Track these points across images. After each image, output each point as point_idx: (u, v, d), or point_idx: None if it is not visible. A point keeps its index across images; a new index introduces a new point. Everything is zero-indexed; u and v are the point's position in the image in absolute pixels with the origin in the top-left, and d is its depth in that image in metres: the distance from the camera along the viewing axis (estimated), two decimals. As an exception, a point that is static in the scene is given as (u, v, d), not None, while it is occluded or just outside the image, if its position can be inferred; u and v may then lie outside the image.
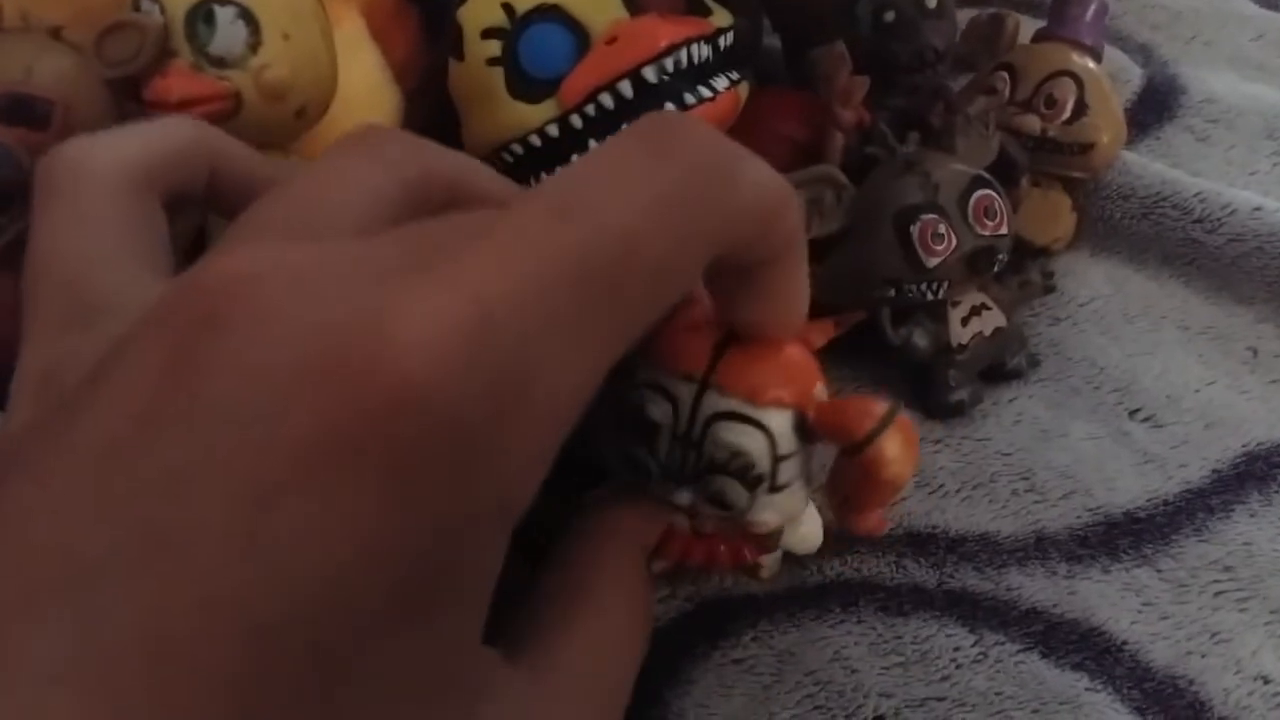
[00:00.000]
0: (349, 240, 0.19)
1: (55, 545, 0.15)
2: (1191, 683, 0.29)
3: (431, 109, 0.37)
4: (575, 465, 0.28)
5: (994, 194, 0.35)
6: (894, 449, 0.24)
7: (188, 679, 0.14)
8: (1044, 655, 0.29)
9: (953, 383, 0.36)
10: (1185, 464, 0.34)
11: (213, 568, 0.14)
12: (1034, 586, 0.31)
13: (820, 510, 0.31)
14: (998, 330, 0.37)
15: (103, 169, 0.22)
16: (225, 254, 0.17)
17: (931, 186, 0.34)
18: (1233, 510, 0.33)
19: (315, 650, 0.15)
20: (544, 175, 0.34)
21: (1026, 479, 0.34)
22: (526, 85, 0.34)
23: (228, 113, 0.32)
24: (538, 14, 0.33)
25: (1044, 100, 0.40)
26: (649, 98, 0.33)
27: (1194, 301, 0.40)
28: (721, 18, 0.36)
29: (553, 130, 0.34)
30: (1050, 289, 0.39)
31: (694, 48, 0.34)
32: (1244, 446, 0.35)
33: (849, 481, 0.26)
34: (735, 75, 0.36)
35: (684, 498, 0.26)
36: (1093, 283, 0.41)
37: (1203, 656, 0.29)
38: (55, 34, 0.32)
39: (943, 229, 0.34)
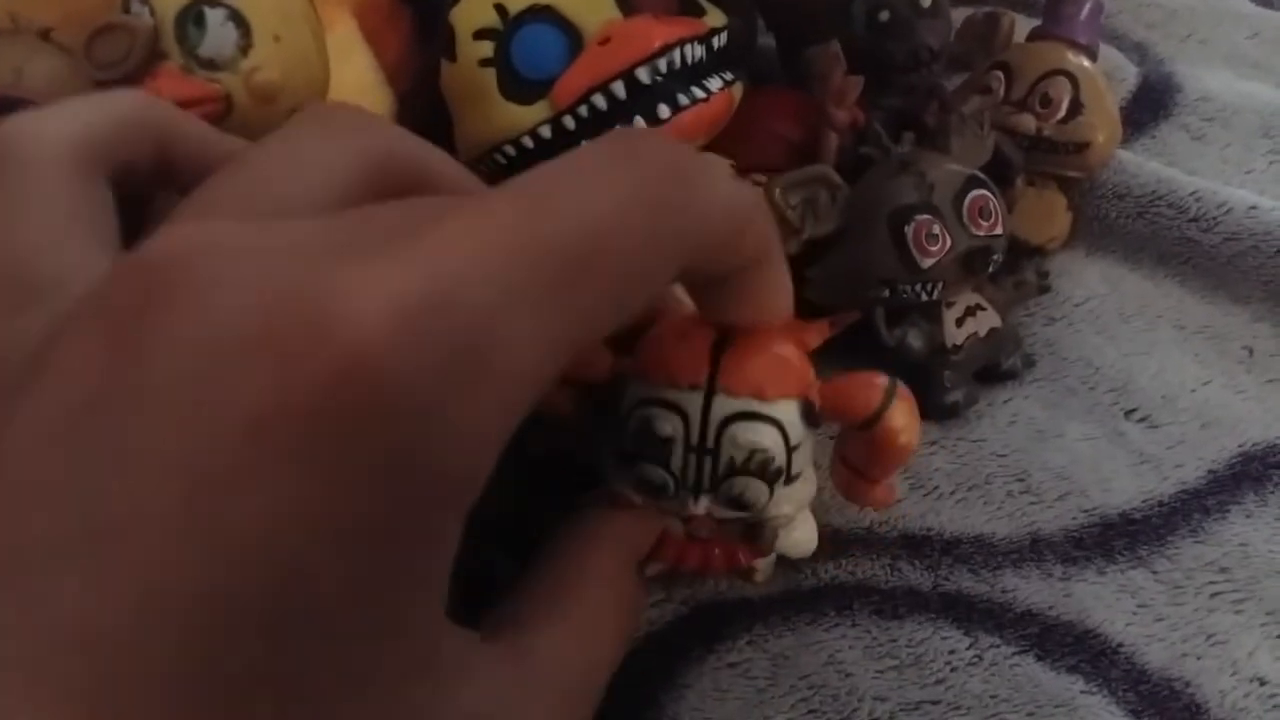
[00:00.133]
0: (301, 219, 0.18)
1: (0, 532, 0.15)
2: (1187, 685, 0.29)
3: (424, 110, 0.37)
4: (569, 470, 0.28)
5: (989, 194, 0.35)
6: (903, 417, 0.26)
7: (131, 666, 0.14)
8: (1039, 658, 0.29)
9: (947, 383, 0.36)
10: (1181, 464, 0.34)
11: (158, 553, 0.14)
12: (1029, 588, 0.31)
13: (814, 514, 0.31)
14: (993, 331, 0.37)
15: (45, 146, 0.21)
16: (170, 231, 0.17)
17: (926, 186, 0.34)
18: (1228, 511, 0.33)
19: (269, 636, 0.15)
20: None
21: (1022, 480, 0.34)
22: (519, 86, 0.33)
23: (218, 115, 0.32)
24: (530, 15, 0.33)
25: (1039, 99, 0.40)
26: (642, 98, 0.33)
27: (1190, 301, 0.40)
28: (715, 18, 0.36)
29: (545, 131, 0.33)
30: (1045, 289, 0.39)
31: (687, 48, 0.34)
32: (1240, 447, 0.35)
33: (861, 456, 0.27)
34: (729, 75, 0.36)
35: (702, 506, 0.26)
36: (1088, 282, 0.41)
37: (1198, 658, 0.29)
38: (45, 36, 0.32)
39: (937, 229, 0.34)
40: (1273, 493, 0.33)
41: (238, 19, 0.32)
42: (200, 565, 0.14)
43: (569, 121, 0.33)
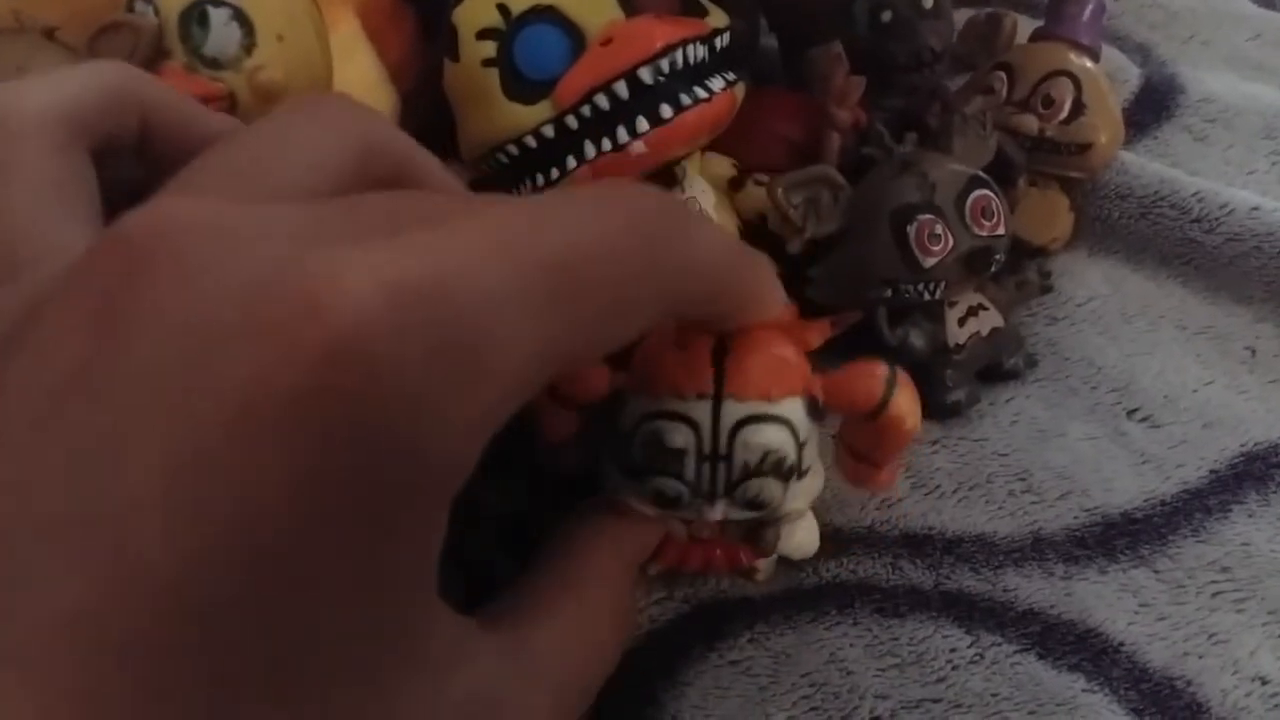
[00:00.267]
0: (289, 203, 0.18)
1: None
2: (1189, 683, 0.29)
3: (427, 110, 0.37)
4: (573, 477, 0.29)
5: (991, 194, 0.35)
6: (907, 403, 0.26)
7: (118, 650, 0.14)
8: (1041, 656, 0.29)
9: (950, 383, 0.36)
10: (1183, 464, 0.34)
11: (143, 534, 0.14)
12: (1031, 587, 0.31)
13: (815, 513, 0.31)
14: (995, 330, 0.37)
15: (26, 118, 0.21)
16: (153, 206, 0.17)
17: (928, 187, 0.34)
18: (1230, 511, 0.33)
19: (256, 619, 0.15)
20: (539, 177, 0.34)
21: (1023, 479, 0.34)
22: (522, 86, 0.33)
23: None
24: (533, 15, 0.33)
25: (1041, 100, 0.40)
26: (645, 98, 0.33)
27: (1192, 301, 0.40)
28: (717, 18, 0.36)
29: (548, 131, 0.33)
30: (1048, 289, 0.39)
31: (690, 48, 0.34)
32: (1242, 447, 0.35)
33: (868, 444, 0.27)
34: (731, 76, 0.36)
35: (718, 512, 0.26)
36: (1090, 283, 0.41)
37: (1200, 657, 0.29)
38: (49, 34, 0.32)
39: (940, 229, 0.34)
40: (1275, 492, 0.33)
41: (241, 18, 0.32)
42: (186, 546, 0.14)
43: (571, 121, 0.33)
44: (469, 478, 0.17)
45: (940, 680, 0.29)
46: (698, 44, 0.34)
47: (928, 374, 0.36)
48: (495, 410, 0.17)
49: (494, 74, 0.34)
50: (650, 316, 0.19)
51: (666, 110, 0.33)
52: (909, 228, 0.34)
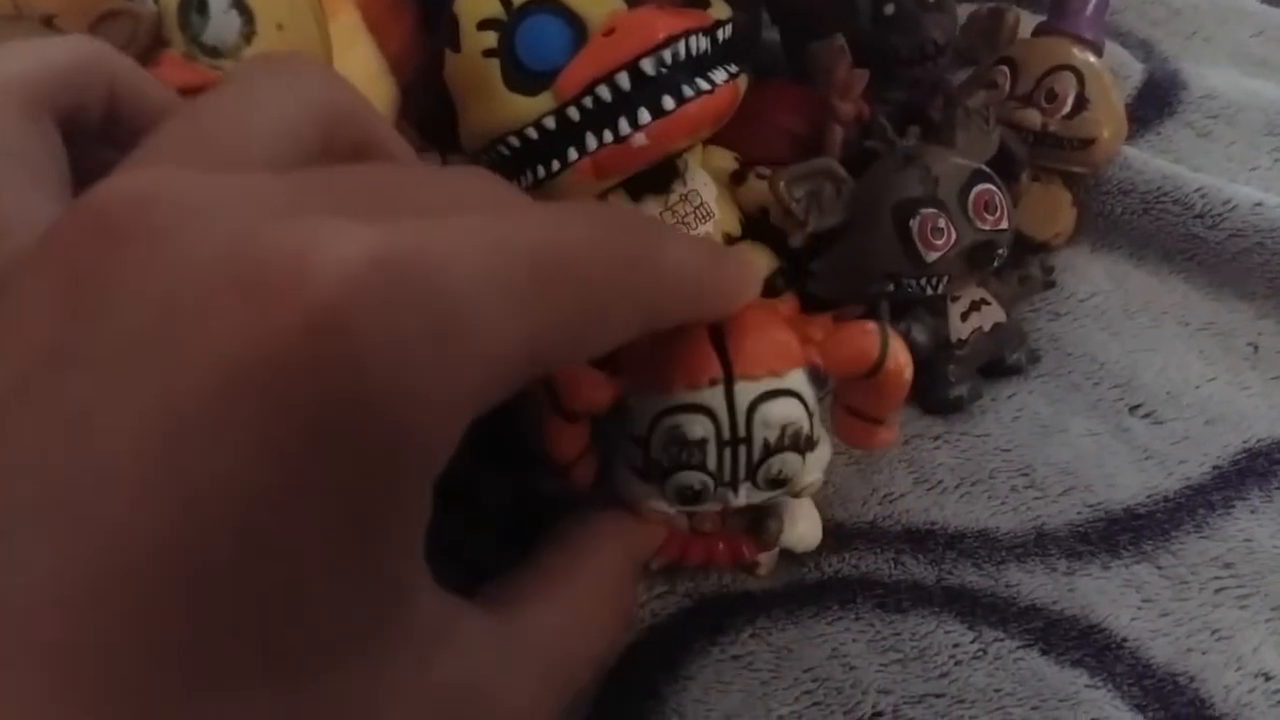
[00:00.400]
0: (254, 171, 0.18)
1: None
2: (1192, 679, 0.29)
3: (428, 101, 0.37)
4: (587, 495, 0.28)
5: (994, 188, 0.35)
6: (902, 354, 0.26)
7: (104, 625, 0.14)
8: (1043, 652, 0.29)
9: (952, 378, 0.36)
10: (1185, 460, 0.34)
11: (126, 512, 0.14)
12: (1033, 583, 0.31)
13: (818, 508, 0.31)
14: (997, 325, 0.37)
15: None
16: (119, 177, 0.16)
17: (931, 180, 0.34)
18: (1233, 507, 0.33)
19: (241, 591, 0.14)
20: (540, 169, 0.34)
21: (1026, 475, 0.34)
22: (523, 77, 0.33)
23: (221, 103, 0.31)
24: (534, 5, 0.33)
25: (1044, 95, 0.40)
26: (646, 90, 0.33)
27: (1195, 297, 0.40)
28: (720, 10, 0.36)
29: (550, 122, 0.33)
30: (1050, 284, 0.39)
31: (692, 40, 0.33)
32: (1244, 443, 0.35)
33: (869, 402, 0.27)
34: (734, 68, 0.35)
35: (743, 497, 0.26)
36: (1093, 278, 0.40)
37: (1203, 653, 0.29)
38: (48, 22, 0.32)
39: (942, 223, 0.34)
40: (1277, 488, 0.33)
41: (241, 6, 0.31)
42: (169, 518, 0.14)
43: (573, 113, 0.33)
44: (469, 476, 0.17)
45: (943, 675, 0.28)
46: (700, 35, 0.34)
47: (930, 369, 0.36)
48: (477, 394, 0.16)
49: (495, 65, 0.33)
50: (631, 325, 0.20)
51: (668, 102, 0.33)
52: (911, 222, 0.34)
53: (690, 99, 0.33)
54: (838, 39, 0.37)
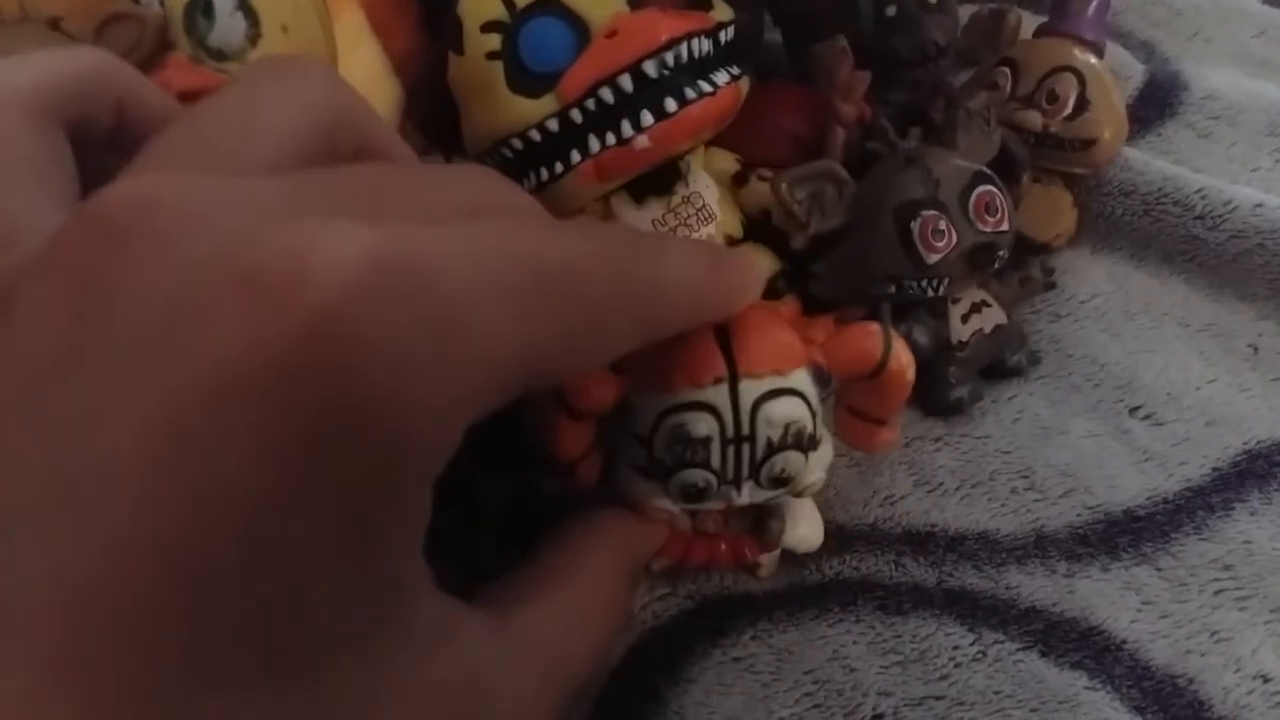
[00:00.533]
0: (257, 175, 0.18)
1: None
2: (1191, 681, 0.29)
3: (431, 103, 0.37)
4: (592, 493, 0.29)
5: (995, 190, 0.35)
6: (906, 354, 0.26)
7: (106, 623, 0.14)
8: (1043, 654, 0.29)
9: (953, 380, 0.36)
10: (1185, 462, 0.34)
11: (127, 512, 0.14)
12: (1033, 585, 0.31)
13: (819, 510, 0.31)
14: (998, 327, 0.37)
15: (1, 97, 0.21)
16: (124, 182, 0.17)
17: (933, 182, 0.34)
18: (1233, 509, 0.33)
19: (247, 593, 0.15)
20: (544, 171, 0.34)
21: (1026, 477, 0.34)
22: (526, 79, 0.33)
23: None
24: (538, 7, 0.33)
25: (1046, 96, 0.40)
26: (649, 92, 0.33)
27: (1195, 299, 0.40)
28: (722, 12, 0.36)
29: (552, 125, 0.33)
30: (1051, 286, 0.39)
31: (695, 42, 0.34)
32: (1244, 444, 0.35)
33: (872, 402, 0.28)
34: (736, 70, 0.36)
35: (745, 496, 0.26)
36: (1094, 280, 0.40)
37: (1202, 655, 0.29)
38: (54, 25, 0.32)
39: (943, 225, 0.34)
40: (1277, 490, 0.33)
41: (246, 9, 0.32)
42: (170, 519, 0.14)
43: (576, 115, 0.33)
44: (469, 476, 0.17)
45: (943, 678, 0.29)
46: (702, 38, 0.34)
47: (931, 370, 0.36)
48: (475, 398, 0.17)
49: (498, 67, 0.33)
50: (631, 337, 0.20)
51: (671, 104, 0.33)
52: (913, 223, 0.34)
53: (693, 101, 0.33)
54: (840, 40, 0.37)
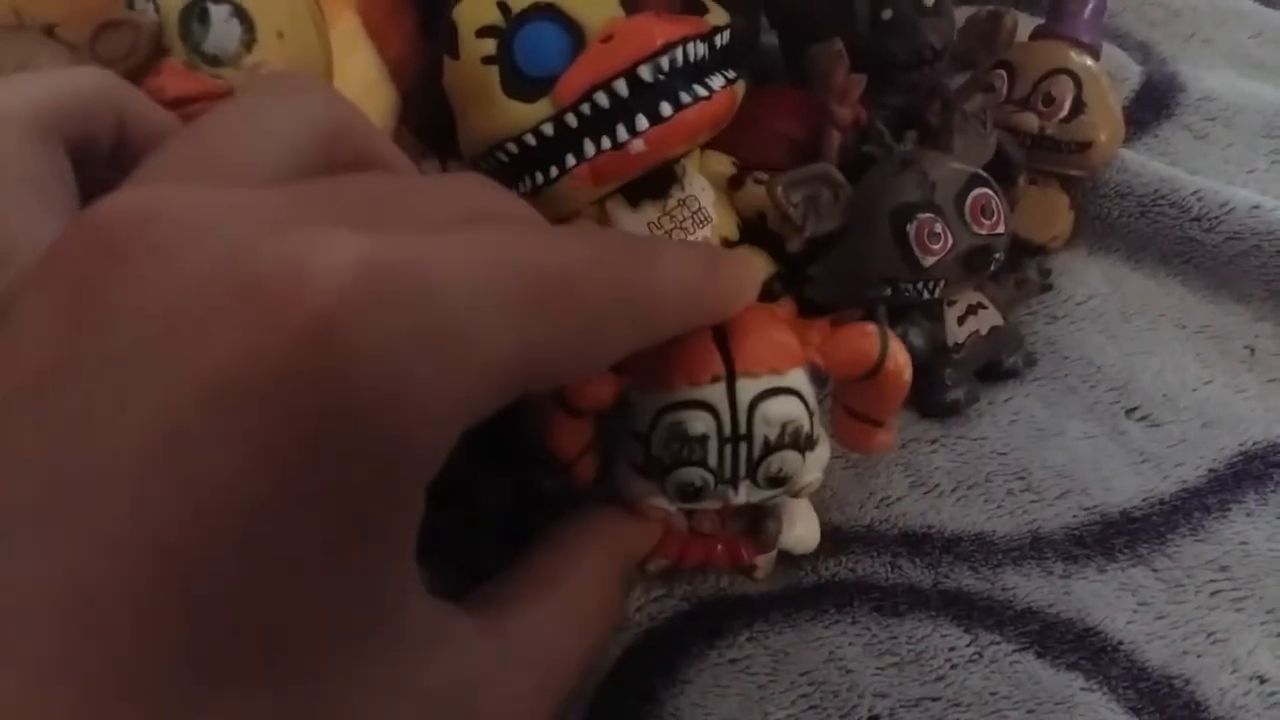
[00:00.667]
0: (257, 187, 0.18)
1: None
2: (1187, 682, 0.29)
3: (427, 107, 0.37)
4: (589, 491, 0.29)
5: (991, 192, 0.35)
6: (903, 354, 0.26)
7: (105, 625, 0.14)
8: (1039, 655, 0.29)
9: (949, 382, 0.36)
10: (1182, 463, 0.34)
11: (127, 513, 0.14)
12: (1029, 586, 0.31)
13: (815, 511, 0.31)
14: (994, 329, 0.37)
15: (2, 115, 0.21)
16: (122, 193, 0.17)
17: (928, 185, 0.34)
18: (1229, 510, 0.33)
19: (244, 597, 0.15)
20: (539, 175, 0.34)
21: (1022, 478, 0.34)
22: (521, 84, 0.33)
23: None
24: (533, 12, 0.33)
25: (1042, 98, 0.40)
26: (644, 96, 0.33)
27: (1191, 300, 0.40)
28: (718, 16, 0.36)
29: (548, 129, 0.33)
30: (1047, 288, 0.39)
31: (690, 46, 0.34)
32: (1241, 446, 0.35)
33: (868, 403, 0.28)
34: (732, 74, 0.36)
35: (742, 494, 0.26)
36: (1090, 281, 0.41)
37: (1199, 656, 0.29)
38: (49, 31, 0.32)
39: (939, 228, 0.34)
40: (1273, 491, 0.33)
41: (241, 15, 0.32)
42: (170, 521, 0.14)
43: (571, 119, 0.33)
44: (468, 476, 0.17)
45: (939, 679, 0.29)
46: (698, 42, 0.34)
47: (927, 373, 0.36)
48: (471, 403, 0.17)
49: (494, 72, 0.34)
50: (627, 343, 0.20)
51: (666, 108, 0.33)
52: (909, 226, 0.34)
53: (688, 105, 0.33)
54: (835, 44, 0.37)
